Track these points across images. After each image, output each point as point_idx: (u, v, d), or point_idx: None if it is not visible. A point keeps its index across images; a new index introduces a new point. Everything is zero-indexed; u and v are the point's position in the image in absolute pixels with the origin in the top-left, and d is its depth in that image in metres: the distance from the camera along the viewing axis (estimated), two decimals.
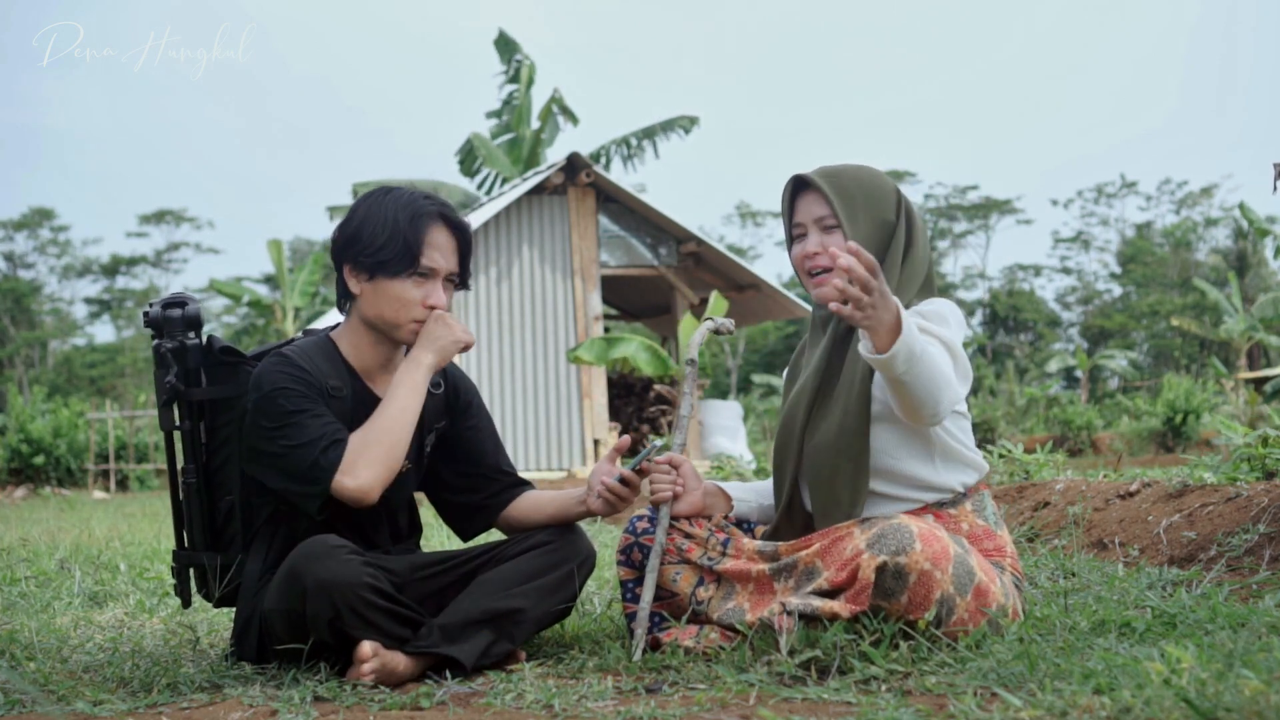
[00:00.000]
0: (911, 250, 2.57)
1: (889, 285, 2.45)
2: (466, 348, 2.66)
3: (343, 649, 2.45)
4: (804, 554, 2.45)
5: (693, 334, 2.66)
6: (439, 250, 2.62)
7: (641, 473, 2.65)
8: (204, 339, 2.72)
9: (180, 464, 2.73)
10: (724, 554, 2.60)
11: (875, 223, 2.52)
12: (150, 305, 2.71)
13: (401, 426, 2.55)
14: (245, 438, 2.59)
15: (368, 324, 2.66)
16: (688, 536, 2.65)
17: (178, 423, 2.71)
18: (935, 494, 2.52)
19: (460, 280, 2.69)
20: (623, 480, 2.65)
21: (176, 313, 2.69)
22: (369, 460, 2.50)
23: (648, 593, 2.56)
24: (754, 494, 2.77)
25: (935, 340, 2.34)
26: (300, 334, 2.77)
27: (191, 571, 2.78)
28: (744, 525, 2.76)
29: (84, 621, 3.41)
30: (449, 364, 2.81)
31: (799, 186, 2.59)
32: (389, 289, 2.60)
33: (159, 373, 2.68)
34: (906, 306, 2.48)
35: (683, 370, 12.66)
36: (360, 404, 2.64)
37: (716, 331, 2.73)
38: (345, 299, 2.68)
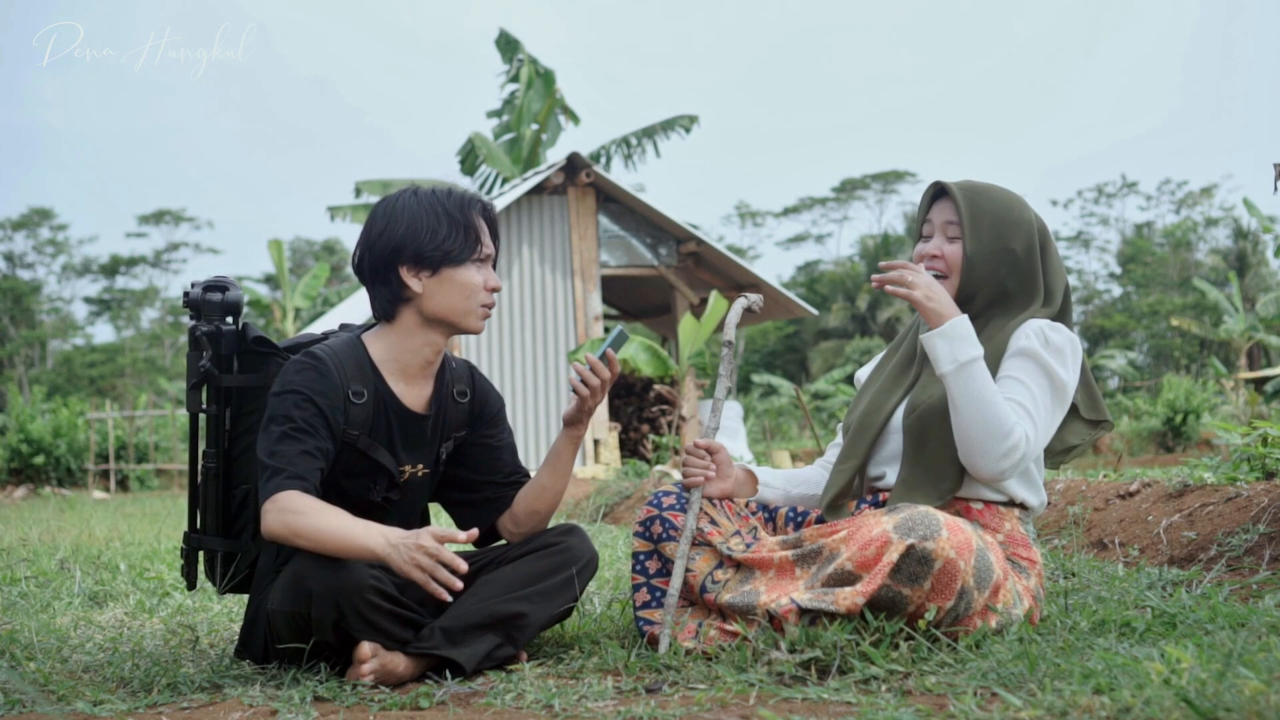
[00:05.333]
0: (1036, 278, 2.63)
1: (999, 314, 2.61)
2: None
3: (343, 649, 2.46)
4: (829, 540, 2.43)
5: (727, 313, 2.66)
6: (485, 235, 2.66)
7: (608, 360, 2.62)
8: (240, 326, 2.73)
9: (202, 447, 2.74)
10: (745, 550, 2.60)
11: (997, 246, 2.60)
12: (192, 285, 2.73)
13: (325, 542, 2.38)
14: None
15: (431, 320, 2.62)
16: (713, 522, 2.66)
17: (204, 406, 2.73)
18: (999, 495, 2.58)
19: (494, 263, 2.72)
20: (594, 370, 2.61)
21: (216, 296, 2.71)
22: (289, 522, 2.38)
23: (676, 579, 2.55)
24: (783, 481, 2.80)
25: (1014, 401, 2.49)
26: (338, 326, 2.77)
27: (201, 555, 2.79)
28: (767, 512, 2.79)
29: (84, 621, 3.41)
30: (479, 374, 2.82)
31: (940, 192, 2.69)
32: (456, 278, 2.60)
33: (192, 355, 2.70)
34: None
35: (683, 370, 12.68)
36: (381, 407, 2.62)
37: (749, 310, 2.73)
38: (397, 303, 2.62)
